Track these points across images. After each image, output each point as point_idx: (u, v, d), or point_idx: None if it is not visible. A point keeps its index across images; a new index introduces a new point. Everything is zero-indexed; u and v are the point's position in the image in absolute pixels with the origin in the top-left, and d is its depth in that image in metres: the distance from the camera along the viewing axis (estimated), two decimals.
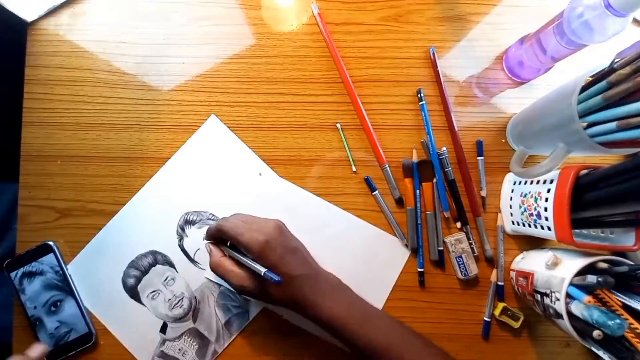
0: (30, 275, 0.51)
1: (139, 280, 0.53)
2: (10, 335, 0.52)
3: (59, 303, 0.51)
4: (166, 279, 0.53)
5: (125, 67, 0.55)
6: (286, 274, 0.44)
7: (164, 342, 0.52)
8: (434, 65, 0.55)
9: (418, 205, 0.54)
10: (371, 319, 0.45)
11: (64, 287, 0.51)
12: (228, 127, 0.55)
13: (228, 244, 0.48)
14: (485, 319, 0.53)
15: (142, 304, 0.52)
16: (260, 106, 0.55)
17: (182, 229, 0.54)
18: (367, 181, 0.54)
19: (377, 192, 0.54)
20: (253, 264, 0.43)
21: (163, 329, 0.52)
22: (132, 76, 0.55)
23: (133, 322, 0.52)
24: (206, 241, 0.49)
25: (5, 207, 0.59)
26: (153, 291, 0.53)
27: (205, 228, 0.52)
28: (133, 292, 0.52)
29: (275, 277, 0.41)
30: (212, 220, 0.54)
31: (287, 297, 0.45)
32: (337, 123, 0.55)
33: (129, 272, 0.53)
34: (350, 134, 0.55)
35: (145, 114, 0.55)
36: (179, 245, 0.53)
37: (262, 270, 0.42)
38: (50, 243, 0.52)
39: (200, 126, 0.55)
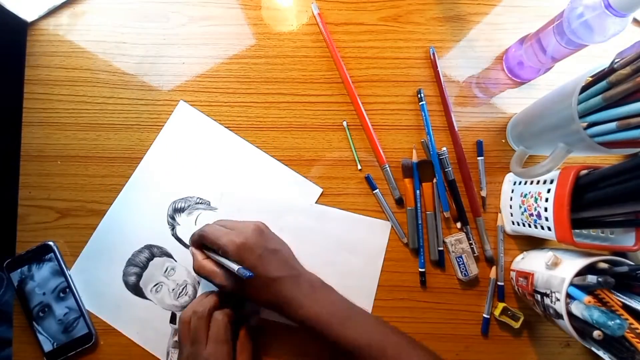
0: (40, 262, 0.52)
1: (139, 276, 0.53)
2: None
3: (67, 289, 0.51)
4: (166, 270, 0.53)
5: (125, 67, 0.55)
6: (265, 275, 0.44)
7: (176, 332, 0.52)
8: (434, 65, 0.55)
9: (418, 205, 0.54)
10: (353, 318, 0.45)
11: (75, 306, 0.52)
12: (207, 111, 0.55)
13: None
14: (485, 315, 0.53)
15: (148, 298, 0.53)
16: (260, 106, 0.55)
17: (173, 218, 0.54)
18: (368, 179, 0.54)
19: (377, 190, 0.54)
20: (227, 262, 0.44)
21: (172, 319, 0.52)
22: (132, 76, 0.55)
23: (142, 318, 0.52)
24: (190, 247, 0.49)
25: None
26: (156, 284, 0.53)
27: (195, 213, 0.53)
28: (136, 289, 0.53)
29: (247, 273, 0.41)
30: (200, 204, 0.54)
31: (267, 298, 0.45)
32: (343, 121, 0.55)
33: (129, 271, 0.53)
34: (351, 134, 0.55)
35: (145, 114, 0.55)
36: (173, 235, 0.53)
37: (236, 267, 0.42)
38: (50, 243, 0.52)
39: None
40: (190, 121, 0.55)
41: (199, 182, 0.54)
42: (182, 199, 0.54)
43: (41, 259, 0.52)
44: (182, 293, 0.53)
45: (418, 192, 0.54)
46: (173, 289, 0.53)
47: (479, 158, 0.55)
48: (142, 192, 0.54)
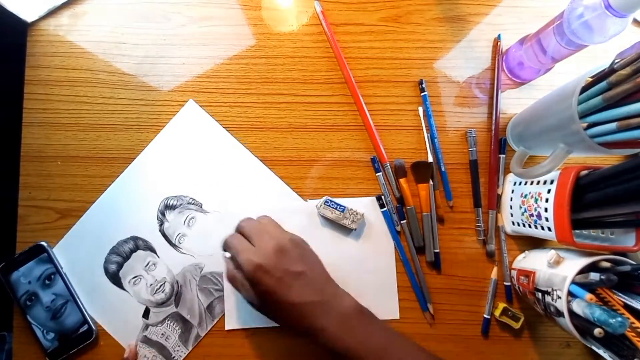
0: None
1: (120, 266, 0.53)
2: None
3: (52, 276, 0.51)
4: (147, 264, 0.53)
5: (125, 67, 0.55)
6: (285, 301, 0.41)
7: (147, 327, 0.52)
8: (497, 53, 0.56)
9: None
10: (391, 351, 0.41)
11: (62, 292, 0.51)
12: (207, 111, 0.55)
13: None
14: (485, 316, 0.53)
15: (124, 289, 0.53)
16: (260, 107, 0.55)
17: (163, 214, 0.54)
18: (373, 161, 0.54)
19: (380, 173, 0.54)
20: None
21: (146, 314, 0.52)
22: (132, 77, 0.55)
23: (116, 308, 0.52)
24: (223, 252, 0.48)
25: None
26: (135, 277, 0.53)
27: (186, 212, 0.53)
28: (115, 278, 0.53)
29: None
30: (192, 204, 0.54)
31: (291, 325, 0.42)
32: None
33: (110, 258, 0.53)
34: (350, 134, 0.55)
35: (145, 115, 0.55)
36: (160, 230, 0.53)
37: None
38: (43, 243, 0.52)
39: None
40: (196, 121, 0.55)
41: (194, 183, 0.54)
42: (175, 196, 0.54)
43: (35, 260, 0.51)
44: (159, 290, 0.53)
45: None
46: (151, 284, 0.53)
47: (500, 156, 0.54)
48: (138, 183, 0.54)
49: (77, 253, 0.53)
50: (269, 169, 0.54)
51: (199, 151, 0.55)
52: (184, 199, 0.54)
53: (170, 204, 0.54)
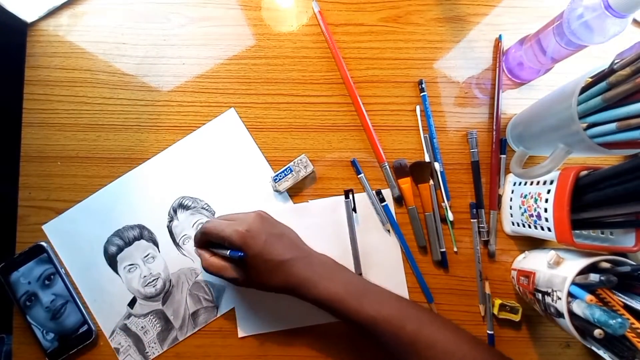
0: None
1: (120, 250, 0.53)
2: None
3: (52, 276, 0.52)
4: (147, 256, 0.53)
5: (125, 68, 0.55)
6: (274, 259, 0.44)
7: (129, 316, 0.52)
8: (498, 53, 0.56)
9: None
10: (369, 294, 0.45)
11: (62, 293, 0.51)
12: (245, 125, 0.55)
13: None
14: (488, 332, 0.53)
15: (118, 274, 0.53)
16: (260, 107, 0.55)
17: (175, 212, 0.54)
18: (353, 164, 0.54)
19: (362, 175, 0.54)
20: (222, 251, 0.45)
21: (132, 304, 0.52)
22: (132, 77, 0.55)
23: (104, 288, 0.53)
24: (195, 248, 0.50)
25: None
26: (131, 264, 0.53)
27: (198, 216, 0.53)
28: (112, 261, 0.53)
29: (237, 254, 0.42)
30: (206, 209, 0.54)
31: (280, 282, 0.45)
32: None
33: (113, 240, 0.53)
34: (350, 134, 0.55)
35: (145, 115, 0.55)
36: (167, 226, 0.54)
37: (227, 252, 0.43)
38: (43, 244, 0.52)
39: (200, 127, 0.55)
40: (232, 131, 0.55)
41: (213, 190, 0.54)
42: (192, 198, 0.54)
43: (35, 260, 0.51)
44: (151, 283, 0.53)
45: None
46: (145, 276, 0.53)
47: (501, 156, 0.54)
48: (158, 175, 0.54)
49: (82, 227, 0.53)
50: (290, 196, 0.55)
51: (226, 160, 0.55)
52: (200, 202, 0.54)
53: (185, 203, 0.54)
